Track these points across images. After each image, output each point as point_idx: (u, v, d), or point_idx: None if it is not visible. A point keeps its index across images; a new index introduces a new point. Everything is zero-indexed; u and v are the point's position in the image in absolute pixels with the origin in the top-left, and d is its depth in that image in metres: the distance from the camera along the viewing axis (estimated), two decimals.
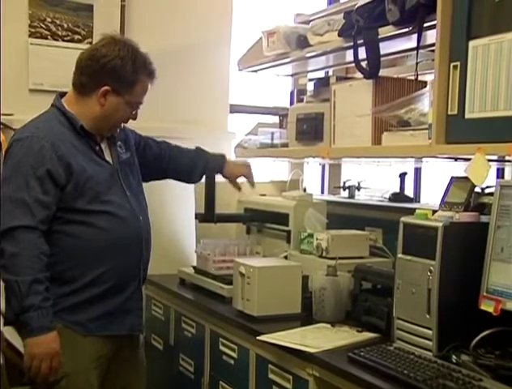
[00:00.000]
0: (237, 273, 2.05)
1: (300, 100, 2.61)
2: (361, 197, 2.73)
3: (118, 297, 1.83)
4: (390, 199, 2.54)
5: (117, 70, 1.80)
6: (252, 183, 2.26)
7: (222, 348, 2.08)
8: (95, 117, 1.83)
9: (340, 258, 2.04)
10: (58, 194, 1.75)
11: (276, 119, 2.75)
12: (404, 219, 1.68)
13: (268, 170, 3.15)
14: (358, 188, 2.74)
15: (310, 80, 2.76)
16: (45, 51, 2.62)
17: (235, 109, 3.13)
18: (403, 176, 2.57)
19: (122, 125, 1.93)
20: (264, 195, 2.62)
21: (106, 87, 1.80)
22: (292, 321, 1.95)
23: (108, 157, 1.88)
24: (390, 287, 1.73)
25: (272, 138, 2.61)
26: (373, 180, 2.74)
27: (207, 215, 2.27)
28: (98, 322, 1.81)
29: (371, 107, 1.98)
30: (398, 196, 2.53)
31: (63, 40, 2.65)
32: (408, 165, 2.52)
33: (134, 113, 1.88)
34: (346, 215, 2.51)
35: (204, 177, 2.22)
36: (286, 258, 2.25)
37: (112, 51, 1.80)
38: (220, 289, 2.25)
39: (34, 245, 1.70)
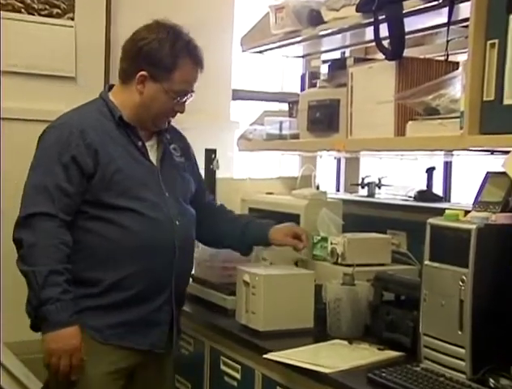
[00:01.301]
0: (241, 282, 2.05)
1: (312, 85, 2.60)
2: (382, 195, 2.73)
3: (143, 307, 1.86)
4: (415, 198, 2.54)
5: (153, 54, 1.86)
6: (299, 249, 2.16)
7: (223, 367, 2.07)
8: (135, 107, 1.91)
9: (358, 265, 2.03)
10: (84, 185, 1.82)
11: (285, 107, 2.75)
12: (432, 220, 1.67)
13: (276, 165, 3.14)
14: (379, 185, 2.74)
15: (324, 62, 2.74)
16: (19, 27, 2.60)
17: (238, 95, 3.13)
18: (430, 171, 2.57)
19: (170, 119, 1.97)
20: (271, 194, 2.61)
21: (142, 73, 1.87)
22: (304, 337, 1.95)
23: (152, 156, 1.94)
24: (416, 298, 1.72)
25: (280, 129, 2.61)
26: (396, 176, 2.75)
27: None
28: (116, 330, 1.85)
29: (394, 92, 1.97)
30: (425, 194, 2.52)
31: (40, 15, 2.64)
32: (437, 159, 2.51)
33: (179, 104, 1.91)
34: (365, 217, 2.51)
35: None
36: (296, 265, 2.25)
37: (151, 33, 1.87)
38: (221, 300, 2.25)
39: (53, 234, 1.78)
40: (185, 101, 1.93)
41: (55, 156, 1.82)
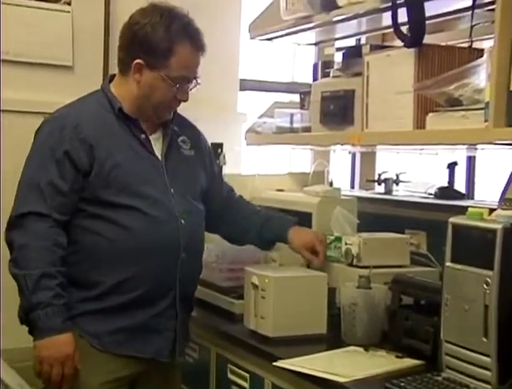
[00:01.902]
0: (249, 284, 2.05)
1: (325, 75, 2.59)
2: (400, 193, 2.73)
3: (144, 312, 1.86)
4: (435, 195, 2.54)
5: (147, 40, 1.84)
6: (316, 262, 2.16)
7: (231, 376, 2.07)
8: (134, 98, 1.90)
9: (374, 267, 2.03)
10: (80, 181, 1.82)
11: (296, 98, 2.75)
12: (454, 219, 1.66)
13: (286, 160, 3.13)
14: (396, 182, 2.74)
15: (338, 50, 2.74)
16: (10, 11, 2.60)
17: (246, 85, 3.13)
18: (452, 167, 2.57)
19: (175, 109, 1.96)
20: (281, 191, 2.62)
21: (138, 61, 1.86)
22: (316, 343, 1.94)
23: (157, 149, 1.94)
24: (437, 303, 1.71)
25: (291, 121, 2.61)
26: (415, 172, 2.74)
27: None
28: (116, 336, 1.85)
29: (413, 82, 1.96)
30: (447, 191, 2.52)
31: None
32: (459, 154, 2.51)
33: (181, 92, 1.89)
34: (381, 215, 2.50)
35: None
36: (308, 266, 2.24)
37: (144, 18, 1.85)
38: (229, 305, 2.25)
39: (45, 235, 1.78)
40: (189, 89, 1.91)
41: (48, 151, 1.82)
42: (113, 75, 1.98)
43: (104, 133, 1.86)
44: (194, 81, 1.91)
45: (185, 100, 1.93)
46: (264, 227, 2.15)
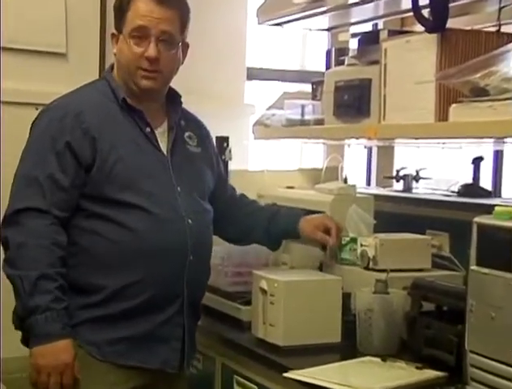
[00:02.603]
0: (257, 289, 2.05)
1: (339, 63, 2.59)
2: (420, 190, 2.73)
3: (149, 320, 1.86)
4: (459, 193, 2.54)
5: (116, 7, 1.90)
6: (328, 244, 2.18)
7: (237, 388, 2.07)
8: (119, 77, 1.92)
9: (392, 271, 2.03)
10: (82, 176, 1.82)
11: (308, 88, 2.74)
12: (479, 219, 1.66)
13: (297, 155, 3.13)
14: (416, 178, 2.74)
15: (353, 36, 2.74)
16: None
17: (254, 74, 3.13)
18: (477, 162, 2.56)
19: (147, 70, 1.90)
20: (292, 188, 2.62)
21: (112, 32, 1.91)
22: (330, 353, 1.95)
23: (162, 144, 1.95)
24: (461, 309, 1.71)
25: (303, 113, 2.60)
26: (437, 168, 2.73)
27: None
28: (118, 346, 1.85)
29: (435, 71, 1.95)
30: (471, 189, 2.52)
31: None
32: (485, 148, 2.50)
33: (145, 47, 1.85)
34: (400, 215, 2.51)
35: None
36: (321, 269, 2.25)
37: None
38: (235, 311, 2.25)
39: (44, 233, 1.78)
40: (154, 43, 1.84)
41: (47, 142, 1.82)
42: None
43: (107, 124, 1.87)
44: (158, 34, 1.84)
45: (152, 57, 1.85)
46: (271, 222, 2.15)
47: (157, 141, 1.93)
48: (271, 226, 2.16)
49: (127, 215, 1.83)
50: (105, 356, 1.84)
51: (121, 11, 1.88)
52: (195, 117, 2.11)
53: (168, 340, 1.89)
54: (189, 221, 1.90)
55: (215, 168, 2.12)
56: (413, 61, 2.04)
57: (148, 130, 1.92)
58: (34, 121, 1.90)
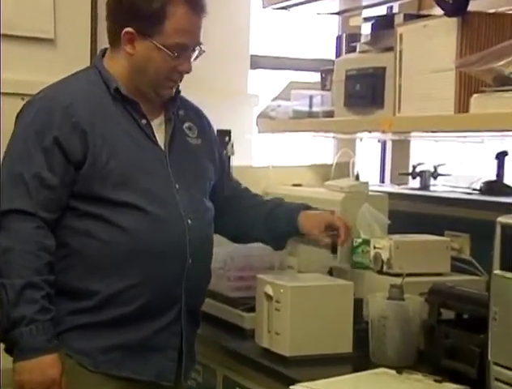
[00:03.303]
0: (262, 295, 2.05)
1: (351, 50, 2.59)
2: (439, 188, 2.73)
3: (144, 327, 1.87)
4: (481, 191, 2.54)
5: (135, 3, 1.84)
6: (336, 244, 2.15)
7: None
8: (128, 74, 1.90)
9: (408, 275, 2.01)
10: (71, 174, 1.82)
11: (317, 77, 2.75)
12: (503, 219, 1.65)
13: (305, 150, 3.13)
14: (434, 175, 2.74)
15: (366, 20, 2.73)
16: None
17: (258, 62, 3.13)
18: (501, 157, 2.56)
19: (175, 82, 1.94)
20: (299, 185, 2.62)
21: (128, 30, 1.85)
22: (340, 364, 1.95)
23: (160, 137, 1.94)
24: (483, 317, 1.70)
25: (311, 105, 2.61)
26: (457, 163, 2.73)
27: None
28: (111, 355, 1.85)
29: (455, 58, 1.95)
30: (494, 186, 2.52)
31: None
32: (509, 142, 2.50)
33: (182, 61, 1.88)
34: (416, 214, 2.50)
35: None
36: (331, 274, 2.25)
37: None
38: (238, 318, 2.25)
39: (30, 237, 1.78)
40: (191, 57, 1.89)
41: (33, 137, 1.82)
42: (105, 49, 1.98)
43: (99, 117, 1.86)
44: (198, 49, 1.89)
45: (188, 72, 1.90)
46: (269, 218, 2.12)
47: (154, 134, 1.92)
48: (270, 222, 2.12)
49: (121, 215, 1.83)
50: (97, 367, 1.83)
51: (152, 15, 1.82)
52: (195, 106, 2.10)
53: (163, 350, 1.89)
54: (189, 221, 1.89)
55: (217, 160, 2.11)
56: (431, 48, 2.04)
57: (144, 122, 1.91)
58: (19, 114, 1.89)
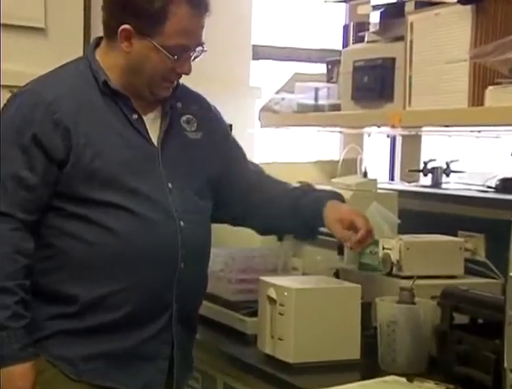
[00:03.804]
0: (265, 299, 2.05)
1: (358, 40, 2.60)
2: (452, 185, 2.74)
3: (132, 335, 1.86)
4: (497, 189, 2.55)
5: (137, 1, 1.83)
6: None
7: None
8: (122, 71, 1.90)
9: (419, 278, 2.02)
10: (53, 173, 1.82)
11: (322, 68, 2.75)
12: None
13: (310, 145, 3.13)
14: (447, 172, 2.75)
15: (375, 8, 2.71)
16: None
17: (260, 52, 3.13)
18: None
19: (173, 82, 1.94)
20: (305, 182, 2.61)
21: (125, 27, 1.84)
22: (347, 371, 1.94)
23: (153, 133, 1.93)
24: (499, 322, 1.69)
25: (316, 98, 2.61)
26: (471, 160, 2.72)
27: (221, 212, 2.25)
28: (95, 364, 1.84)
29: (469, 48, 1.95)
30: (511, 184, 2.53)
31: None
32: None
33: (181, 63, 1.88)
34: (428, 213, 2.51)
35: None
36: (337, 276, 2.25)
37: None
38: (239, 323, 2.25)
39: (5, 240, 1.77)
40: (191, 58, 1.89)
41: (12, 134, 1.81)
42: (100, 38, 1.97)
43: (84, 113, 1.85)
44: (199, 48, 1.89)
45: (187, 73, 1.91)
46: (296, 206, 2.07)
47: (146, 130, 1.91)
48: (297, 212, 2.07)
49: (108, 216, 1.82)
50: (80, 376, 1.82)
51: (153, 14, 1.81)
52: (197, 95, 2.08)
53: (152, 359, 1.88)
54: (182, 223, 1.89)
55: (223, 151, 2.07)
56: (444, 37, 2.04)
57: (135, 117, 1.90)
58: (3, 108, 1.89)
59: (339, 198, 2.09)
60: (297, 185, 2.23)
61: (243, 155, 2.17)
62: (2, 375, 1.74)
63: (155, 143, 1.92)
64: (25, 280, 1.77)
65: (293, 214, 2.08)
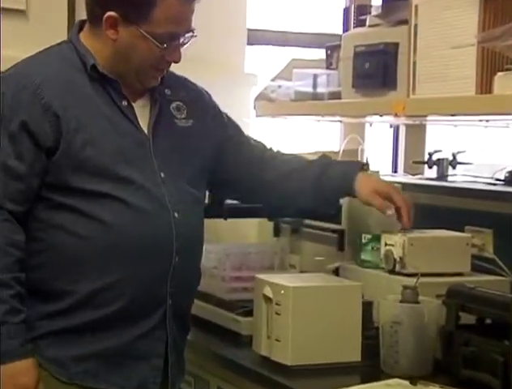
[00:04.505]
0: (260, 297, 2.05)
1: (360, 24, 2.60)
2: (458, 178, 2.73)
3: (125, 332, 1.87)
4: (506, 181, 2.55)
5: None
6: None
7: None
8: (108, 58, 1.90)
9: (423, 275, 2.02)
10: (43, 161, 1.82)
11: (321, 54, 2.75)
12: None
13: (309, 136, 3.13)
14: (453, 164, 2.74)
15: None
16: None
17: (256, 37, 3.13)
18: None
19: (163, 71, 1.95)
20: None
21: (111, 14, 1.84)
22: (348, 374, 1.95)
23: (143, 121, 1.94)
24: (507, 322, 1.71)
25: (315, 85, 2.61)
26: (479, 151, 2.72)
27: (213, 206, 2.27)
28: (87, 365, 1.85)
29: (477, 32, 1.94)
30: None
31: None
32: None
33: (171, 51, 1.88)
34: (433, 207, 2.50)
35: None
36: (337, 273, 2.25)
37: None
38: (233, 323, 2.26)
39: None
40: (180, 45, 1.90)
41: None
42: (83, 22, 1.97)
43: (73, 98, 1.86)
44: (189, 34, 1.89)
45: (177, 61, 1.92)
46: (321, 179, 2.08)
47: (136, 117, 1.92)
48: (321, 185, 2.08)
49: (100, 207, 1.83)
50: (72, 378, 1.84)
51: (140, 2, 1.82)
52: (183, 80, 2.09)
53: (147, 358, 1.89)
54: (176, 214, 1.90)
55: (221, 135, 2.09)
56: (450, 21, 2.04)
57: (125, 103, 1.90)
58: None
59: (364, 167, 2.11)
60: (313, 159, 2.22)
61: (241, 132, 2.19)
62: (3, 372, 1.74)
63: (146, 132, 1.93)
64: (20, 273, 1.79)
65: (316, 188, 2.09)
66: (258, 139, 2.23)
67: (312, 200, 2.13)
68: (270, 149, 2.21)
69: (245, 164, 2.13)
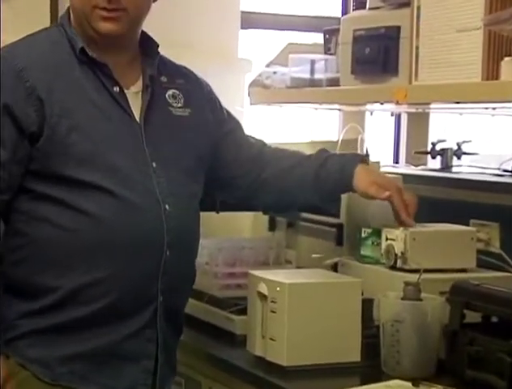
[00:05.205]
0: (255, 295, 2.05)
1: (359, 6, 2.60)
2: (463, 169, 2.73)
3: (113, 331, 1.87)
4: None
5: None
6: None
7: None
8: (75, 22, 1.91)
9: (426, 271, 2.02)
10: (26, 148, 1.83)
11: (319, 38, 2.75)
12: None
13: (306, 124, 3.13)
14: (458, 154, 2.75)
15: None
16: None
17: (250, 20, 3.13)
18: None
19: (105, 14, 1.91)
20: None
21: None
22: (347, 375, 1.95)
23: (136, 107, 1.94)
24: None
25: (312, 71, 2.61)
26: (485, 140, 2.72)
27: (206, 199, 2.22)
28: (73, 365, 1.84)
29: (483, 14, 1.94)
30: None
31: None
32: None
33: None
34: (437, 200, 2.51)
35: None
36: (335, 269, 2.25)
37: None
38: (227, 322, 2.26)
39: None
40: None
41: None
42: None
43: (59, 83, 1.86)
44: None
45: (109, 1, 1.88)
46: (320, 172, 2.08)
47: (128, 104, 1.92)
48: (319, 182, 2.08)
49: (86, 198, 1.83)
50: (56, 379, 1.83)
51: None
52: (182, 69, 2.09)
53: (137, 359, 1.89)
54: (167, 207, 1.90)
55: (219, 129, 2.10)
56: (455, 3, 2.04)
57: (116, 89, 1.90)
58: None
59: (363, 159, 2.12)
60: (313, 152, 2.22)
61: (241, 129, 2.20)
62: None
63: (137, 118, 1.93)
64: None
65: (315, 183, 2.10)
66: (258, 138, 2.23)
67: (311, 196, 2.14)
68: (270, 146, 2.22)
69: (243, 161, 2.13)
